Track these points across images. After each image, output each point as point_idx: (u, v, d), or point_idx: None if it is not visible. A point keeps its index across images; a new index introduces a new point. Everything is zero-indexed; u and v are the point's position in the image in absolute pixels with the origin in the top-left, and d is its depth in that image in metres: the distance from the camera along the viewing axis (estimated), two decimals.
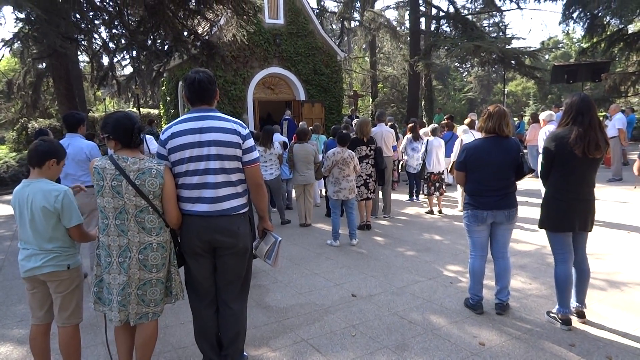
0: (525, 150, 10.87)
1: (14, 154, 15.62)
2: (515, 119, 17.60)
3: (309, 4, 15.63)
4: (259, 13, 11.61)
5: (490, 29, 23.99)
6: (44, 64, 13.11)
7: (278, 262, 2.91)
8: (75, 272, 2.69)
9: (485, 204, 3.47)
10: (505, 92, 26.78)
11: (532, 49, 16.72)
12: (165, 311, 3.82)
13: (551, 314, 3.47)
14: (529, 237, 5.87)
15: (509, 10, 19.05)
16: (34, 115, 16.71)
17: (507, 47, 16.11)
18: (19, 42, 8.95)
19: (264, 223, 2.87)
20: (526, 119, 18.57)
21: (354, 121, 7.56)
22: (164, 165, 2.51)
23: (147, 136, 5.43)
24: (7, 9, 7.40)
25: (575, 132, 3.12)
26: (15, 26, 10.12)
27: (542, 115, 7.19)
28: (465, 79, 41.19)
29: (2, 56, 11.13)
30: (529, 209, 6.95)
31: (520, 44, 21.98)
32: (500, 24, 21.95)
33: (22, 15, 7.37)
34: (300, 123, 10.04)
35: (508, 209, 3.46)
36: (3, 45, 8.46)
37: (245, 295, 2.86)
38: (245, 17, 10.53)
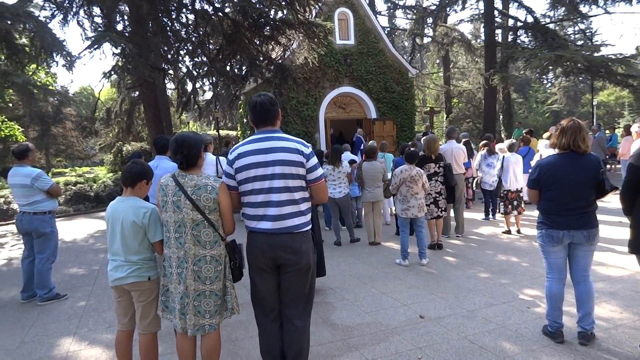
0: (618, 165, 9.99)
1: (111, 174, 17.27)
2: (607, 131, 16.24)
3: (379, 23, 15.75)
4: (329, 35, 11.89)
5: (577, 36, 22.49)
6: (137, 93, 14.48)
7: None
8: (155, 283, 2.92)
9: (561, 224, 3.25)
10: (595, 103, 24.77)
11: (623, 56, 15.36)
12: (235, 325, 4.01)
13: None
14: (621, 261, 5.35)
15: (595, 16, 17.70)
16: (128, 139, 18.44)
17: (594, 55, 14.97)
18: (115, 74, 9.97)
19: None
20: (619, 131, 17.01)
21: (422, 139, 7.45)
22: (220, 182, 2.67)
23: (221, 157, 5.74)
24: (107, 45, 8.28)
25: None
26: (113, 60, 11.32)
27: (635, 127, 6.58)
28: (548, 91, 38.77)
29: (103, 86, 12.51)
30: (622, 230, 6.33)
31: (610, 51, 20.26)
32: (587, 31, 20.44)
33: (117, 50, 8.22)
34: (370, 142, 10.07)
35: (587, 229, 3.20)
36: (102, 77, 9.50)
37: (308, 312, 2.90)
38: (316, 40, 10.89)
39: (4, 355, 3.75)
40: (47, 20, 8.85)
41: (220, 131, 20.12)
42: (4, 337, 4.15)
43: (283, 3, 10.14)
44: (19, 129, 16.97)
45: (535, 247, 6.36)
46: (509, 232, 7.24)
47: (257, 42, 10.90)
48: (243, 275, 2.83)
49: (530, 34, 17.10)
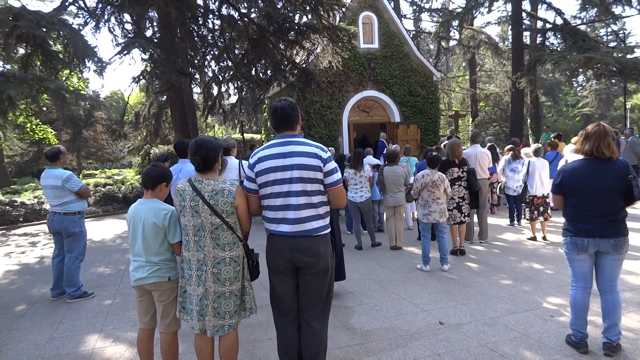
0: None
1: (138, 176, 17.70)
2: None
3: (404, 26, 15.67)
4: (353, 39, 11.91)
5: (609, 37, 21.85)
6: (165, 97, 14.82)
7: None
8: (174, 284, 2.99)
9: (586, 231, 3.16)
10: (628, 106, 23.92)
11: None
12: (255, 326, 4.06)
13: None
14: None
15: (628, 16, 17.15)
16: (156, 142, 18.88)
17: (627, 56, 14.51)
18: (144, 78, 10.26)
19: None
20: None
21: (443, 143, 7.36)
22: (236, 186, 2.73)
23: (244, 161, 5.80)
24: (136, 51, 8.55)
25: None
26: (142, 65, 11.67)
27: None
28: (579, 94, 37.67)
29: (132, 91, 12.88)
30: None
31: None
32: (620, 32, 19.81)
33: (146, 56, 8.47)
34: (394, 146, 10.02)
35: (614, 238, 3.10)
36: (132, 82, 9.81)
37: (326, 315, 2.92)
38: (340, 44, 10.94)
39: (34, 350, 3.90)
40: (80, 28, 9.20)
41: (245, 134, 20.36)
42: (35, 332, 4.32)
43: (307, 8, 10.24)
44: (52, 132, 17.60)
45: (561, 254, 6.18)
46: (534, 238, 7.08)
47: (282, 47, 11.04)
48: (259, 274, 2.88)
49: (559, 35, 16.75)
